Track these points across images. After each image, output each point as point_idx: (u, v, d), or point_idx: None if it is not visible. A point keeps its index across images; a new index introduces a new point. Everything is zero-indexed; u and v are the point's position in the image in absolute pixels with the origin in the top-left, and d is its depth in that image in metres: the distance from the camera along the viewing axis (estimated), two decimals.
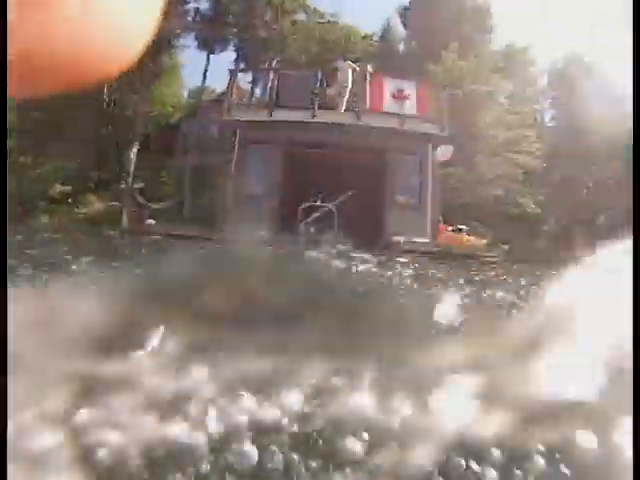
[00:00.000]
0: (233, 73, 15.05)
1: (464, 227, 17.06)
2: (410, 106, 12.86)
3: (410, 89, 13.13)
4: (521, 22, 59.66)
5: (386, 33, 34.31)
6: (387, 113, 12.69)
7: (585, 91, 31.77)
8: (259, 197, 13.10)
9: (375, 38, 35.15)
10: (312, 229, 12.38)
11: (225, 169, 24.50)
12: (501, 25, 51.30)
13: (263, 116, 13.13)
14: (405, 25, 32.74)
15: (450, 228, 16.76)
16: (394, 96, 12.85)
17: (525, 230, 23.36)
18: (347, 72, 13.82)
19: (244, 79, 31.16)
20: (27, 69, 0.30)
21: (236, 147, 13.57)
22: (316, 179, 13.48)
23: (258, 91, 16.79)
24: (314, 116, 12.56)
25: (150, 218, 24.70)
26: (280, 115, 12.86)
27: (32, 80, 0.34)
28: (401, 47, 33.14)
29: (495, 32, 32.98)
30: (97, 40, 0.35)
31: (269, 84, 14.39)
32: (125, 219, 22.48)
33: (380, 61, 28.06)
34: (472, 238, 15.82)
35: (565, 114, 32.62)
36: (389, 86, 13.05)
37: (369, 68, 15.04)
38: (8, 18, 0.30)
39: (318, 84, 13.44)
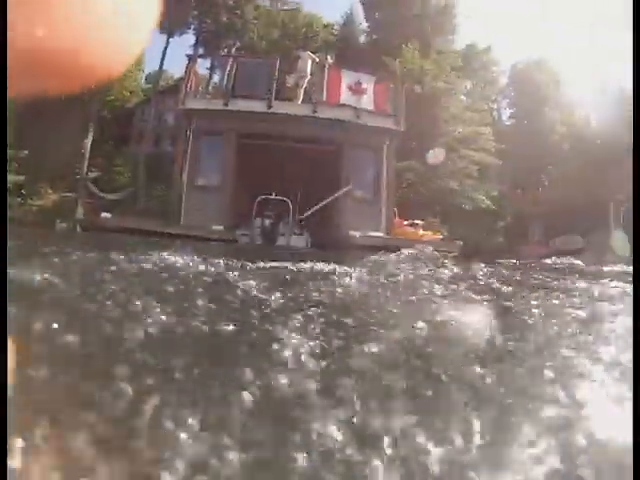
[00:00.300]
0: (191, 59, 14.62)
1: (420, 222, 17.45)
2: (367, 100, 12.88)
3: (368, 83, 13.12)
4: (485, 23, 61.01)
5: (348, 23, 34.29)
6: (343, 105, 12.66)
7: (545, 92, 32.97)
8: (213, 189, 12.89)
9: (336, 27, 35.17)
10: (267, 222, 12.34)
11: (180, 159, 24.08)
12: (465, 25, 52.58)
13: (219, 105, 12.90)
14: (367, 18, 32.71)
15: (406, 222, 17.13)
16: (351, 89, 12.82)
17: (480, 225, 24.05)
18: (307, 62, 13.73)
19: (203, 65, 30.65)
20: (27, 69, 0.30)
21: (190, 137, 13.30)
22: (271, 171, 13.39)
23: (216, 78, 16.19)
24: (270, 107, 12.41)
25: (105, 209, 24.10)
26: (236, 105, 12.64)
27: (31, 80, 0.29)
28: (362, 39, 33.19)
29: (458, 32, 33.70)
30: (97, 40, 0.30)
31: (227, 72, 14.14)
32: (80, 211, 21.65)
33: (339, 52, 27.95)
34: (428, 233, 16.16)
35: (523, 113, 33.85)
36: (347, 79, 12.98)
37: (329, 59, 14.90)
38: (8, 18, 0.27)
39: (277, 73, 13.24)
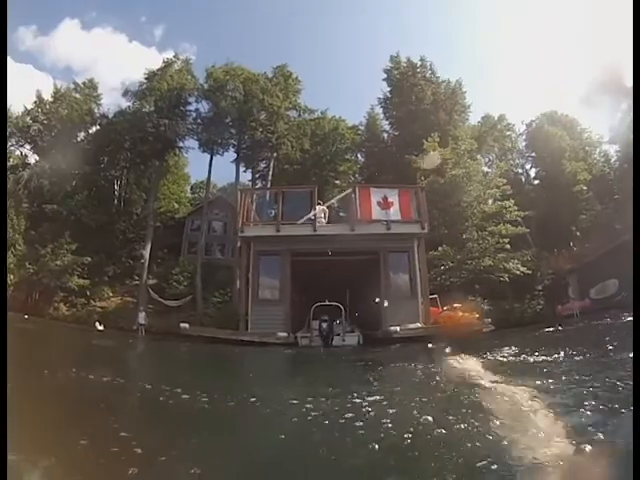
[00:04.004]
0: (243, 193, 18.29)
1: (458, 305, 19.56)
2: (394, 212, 15.90)
3: (393, 196, 16.22)
4: (494, 90, 65.31)
5: (370, 124, 38.71)
6: (375, 221, 15.74)
7: (559, 143, 34.96)
8: (274, 301, 15.88)
9: (361, 128, 39.64)
10: (323, 325, 15.08)
11: (234, 271, 27.33)
12: (476, 98, 56.86)
13: (272, 231, 16.13)
14: (387, 116, 37.02)
15: (446, 307, 19.32)
16: (380, 205, 15.91)
17: (520, 293, 25.49)
18: (321, 212, 16.52)
19: (245, 177, 34.64)
20: None
21: (250, 257, 16.52)
22: (321, 281, 16.38)
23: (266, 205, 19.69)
24: (315, 230, 15.64)
25: (165, 314, 27.31)
26: (286, 230, 15.92)
27: None
28: (385, 137, 37.21)
29: (471, 108, 37.10)
30: None
31: (274, 202, 17.66)
32: (142, 316, 24.73)
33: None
34: (466, 314, 18.28)
35: (546, 171, 36.04)
36: (375, 196, 16.14)
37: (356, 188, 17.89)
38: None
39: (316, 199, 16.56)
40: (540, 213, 30.84)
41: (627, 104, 31.21)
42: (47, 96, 34.93)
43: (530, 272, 26.27)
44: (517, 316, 23.13)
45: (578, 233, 33.63)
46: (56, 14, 68.17)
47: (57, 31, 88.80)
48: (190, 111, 34.72)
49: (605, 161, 37.81)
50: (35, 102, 34.45)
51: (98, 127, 35.61)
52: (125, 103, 36.10)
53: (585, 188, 33.45)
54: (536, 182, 38.25)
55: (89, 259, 29.41)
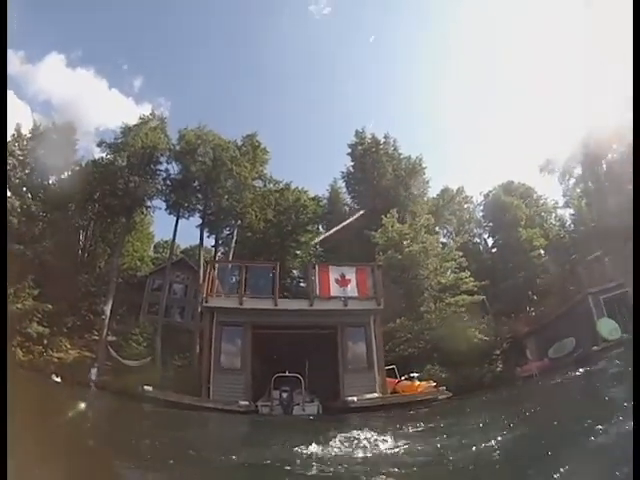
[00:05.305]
0: (209, 265, 19.35)
1: (415, 374, 20.59)
2: (351, 289, 17.22)
3: (350, 274, 17.58)
4: (453, 162, 69.70)
5: (333, 196, 40.89)
6: (333, 297, 16.99)
7: (516, 212, 37.47)
8: (236, 371, 16.60)
9: (324, 201, 41.76)
10: (284, 395, 15.83)
11: (194, 335, 27.86)
12: (435, 172, 60.63)
13: (235, 303, 17.08)
14: (349, 190, 39.28)
15: (403, 377, 20.30)
16: (338, 282, 17.24)
17: (478, 359, 26.50)
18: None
19: (208, 243, 35.37)
20: None
21: (214, 326, 17.32)
22: (281, 352, 17.30)
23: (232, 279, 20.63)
24: (276, 304, 16.74)
25: (123, 373, 27.07)
26: (249, 303, 16.94)
27: None
28: (346, 210, 39.25)
29: (430, 183, 39.66)
30: None
31: (237, 276, 18.79)
32: (93, 371, 24.47)
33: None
34: (423, 383, 19.15)
35: (503, 239, 38.28)
36: (333, 273, 17.47)
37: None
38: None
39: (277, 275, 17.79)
40: (498, 280, 32.71)
41: (580, 169, 34.61)
42: (25, 131, 34.95)
43: (487, 338, 27.26)
44: (476, 381, 23.95)
45: (535, 297, 35.37)
46: (45, 44, 69.86)
47: (42, 63, 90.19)
48: (160, 171, 35.74)
49: (560, 225, 40.74)
50: (13, 135, 34.27)
51: (70, 173, 35.86)
52: (97, 151, 36.88)
53: (542, 252, 35.76)
54: (494, 250, 40.54)
55: (50, 307, 29.10)
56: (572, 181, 36.62)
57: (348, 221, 25.62)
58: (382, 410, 14.44)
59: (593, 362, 16.13)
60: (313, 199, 42.38)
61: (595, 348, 20.14)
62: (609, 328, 20.69)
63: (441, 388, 17.34)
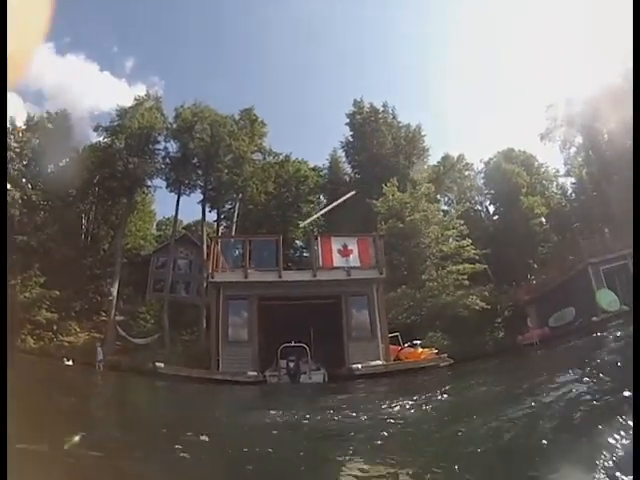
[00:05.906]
0: (213, 240, 19.76)
1: (418, 341, 21.13)
2: (354, 259, 17.64)
3: (352, 244, 17.98)
4: (453, 131, 69.16)
5: (333, 166, 40.97)
6: (336, 268, 17.43)
7: (517, 180, 37.47)
8: (243, 343, 17.18)
9: (324, 171, 41.87)
10: (291, 364, 16.43)
11: (201, 310, 28.51)
12: (434, 140, 60.17)
13: (240, 277, 17.56)
14: (349, 160, 39.35)
15: (407, 344, 20.86)
16: (340, 252, 17.66)
17: (480, 326, 27.10)
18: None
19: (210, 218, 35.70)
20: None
21: (220, 301, 17.83)
22: (287, 323, 17.83)
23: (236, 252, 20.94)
24: (280, 276, 17.19)
25: (133, 352, 27.83)
26: (254, 276, 17.40)
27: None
28: (347, 179, 39.38)
29: (430, 151, 39.63)
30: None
31: (241, 250, 19.22)
32: (100, 351, 25.21)
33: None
34: (426, 350, 19.77)
35: (504, 207, 38.28)
36: (336, 244, 17.87)
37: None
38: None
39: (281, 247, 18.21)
40: (499, 247, 33.01)
41: (580, 138, 34.59)
42: (20, 122, 35.34)
43: (489, 306, 27.74)
44: (478, 348, 24.55)
45: (535, 265, 35.78)
46: None
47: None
48: (159, 150, 35.99)
49: (562, 194, 40.83)
50: (8, 128, 34.43)
51: (68, 160, 36.18)
52: (94, 135, 36.98)
53: (543, 221, 35.98)
54: (495, 217, 40.56)
55: (57, 293, 29.84)
56: (573, 150, 36.51)
57: (342, 199, 26.01)
58: (385, 377, 15.00)
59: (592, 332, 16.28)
60: (313, 169, 42.56)
61: (594, 319, 20.46)
62: (608, 299, 21.00)
63: (443, 355, 17.87)
